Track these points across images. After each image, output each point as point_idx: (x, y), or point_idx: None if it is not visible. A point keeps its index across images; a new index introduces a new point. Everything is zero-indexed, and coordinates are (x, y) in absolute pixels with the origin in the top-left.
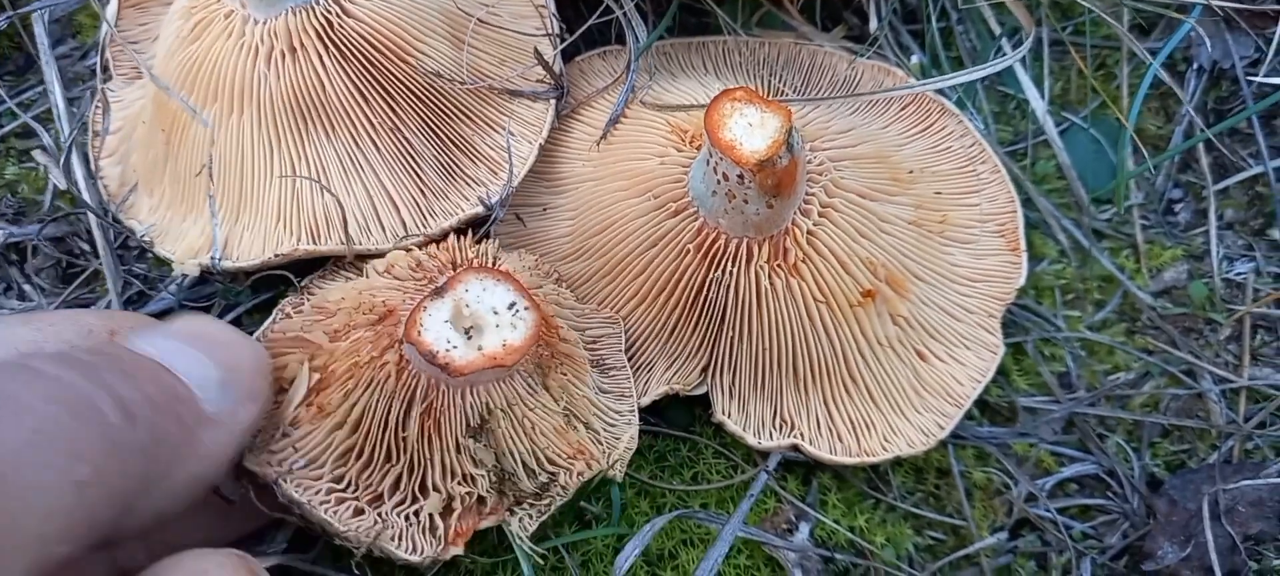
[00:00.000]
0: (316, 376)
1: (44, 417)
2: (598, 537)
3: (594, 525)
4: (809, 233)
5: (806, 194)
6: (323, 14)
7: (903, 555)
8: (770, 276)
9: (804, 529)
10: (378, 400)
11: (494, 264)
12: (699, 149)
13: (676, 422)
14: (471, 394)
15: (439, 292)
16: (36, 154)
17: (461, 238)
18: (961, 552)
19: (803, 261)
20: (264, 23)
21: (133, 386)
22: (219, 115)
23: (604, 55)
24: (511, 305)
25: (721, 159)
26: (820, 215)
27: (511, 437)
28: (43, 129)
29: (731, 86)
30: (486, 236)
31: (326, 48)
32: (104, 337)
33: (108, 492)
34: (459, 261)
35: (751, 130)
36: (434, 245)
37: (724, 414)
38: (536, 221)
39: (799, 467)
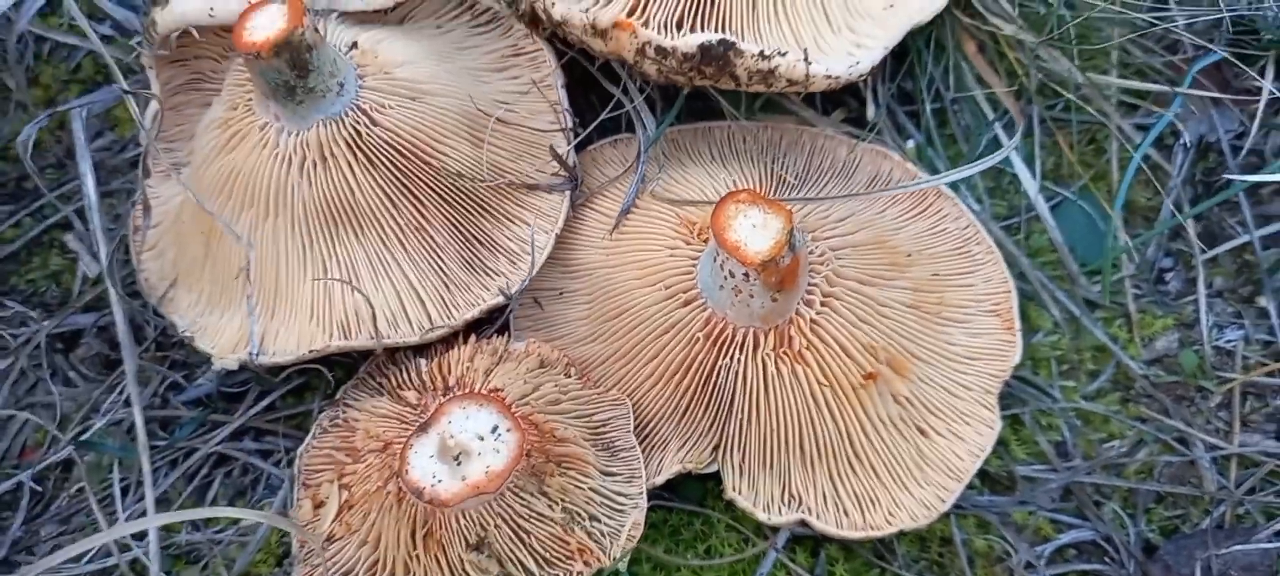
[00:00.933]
0: (345, 494)
1: None
2: None
3: None
4: (812, 321)
5: (809, 284)
6: (351, 125)
7: None
8: (776, 364)
9: None
10: (388, 522)
11: (487, 376)
12: (706, 242)
13: (690, 497)
14: (465, 517)
15: (424, 428)
16: (73, 243)
17: (464, 346)
18: None
19: (807, 349)
20: (296, 134)
21: None
22: (255, 220)
23: (615, 144)
24: (495, 429)
25: (727, 258)
26: (822, 304)
27: (512, 546)
28: (81, 222)
29: (737, 189)
30: (505, 329)
31: (355, 155)
32: None
33: None
34: (455, 382)
35: (755, 232)
36: (439, 359)
37: (735, 490)
38: (553, 305)
39: (808, 541)
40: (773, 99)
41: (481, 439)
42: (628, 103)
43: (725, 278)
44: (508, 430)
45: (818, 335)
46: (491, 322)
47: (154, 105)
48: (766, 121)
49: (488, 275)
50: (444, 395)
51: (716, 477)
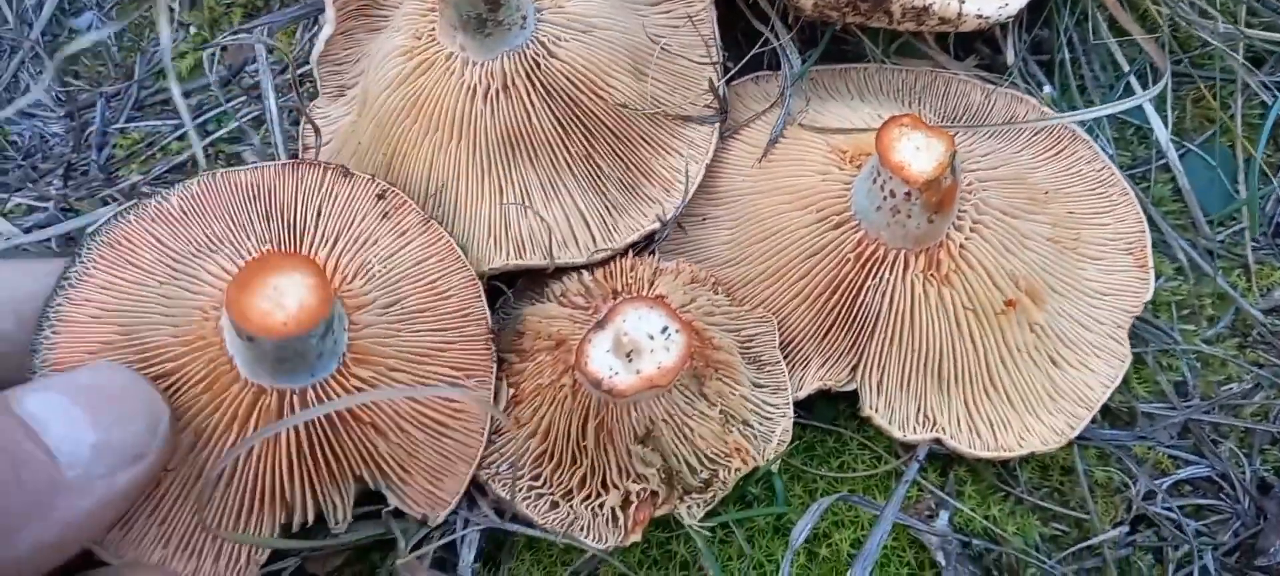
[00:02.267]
0: (512, 391)
1: None
2: (759, 516)
3: (755, 505)
4: (961, 246)
5: (959, 210)
6: (532, 56)
7: (1031, 544)
8: (924, 285)
9: (944, 516)
10: (559, 415)
11: (650, 285)
12: (859, 167)
13: (823, 417)
14: (636, 409)
15: (601, 325)
16: (247, 155)
17: (623, 260)
18: (1084, 544)
19: (954, 272)
20: (481, 64)
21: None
22: (439, 144)
23: (757, 80)
24: (664, 329)
25: (890, 177)
26: (971, 230)
27: (675, 442)
28: (252, 131)
29: (898, 113)
30: (651, 250)
31: (534, 86)
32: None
33: None
34: (620, 287)
35: (919, 153)
36: (601, 271)
37: (872, 409)
38: (697, 230)
39: (937, 462)
40: (907, 44)
41: (652, 338)
42: (774, 40)
43: (884, 198)
44: (676, 331)
45: (965, 259)
46: (640, 247)
47: (327, 29)
48: (902, 64)
49: (645, 201)
50: (614, 299)
51: (848, 398)
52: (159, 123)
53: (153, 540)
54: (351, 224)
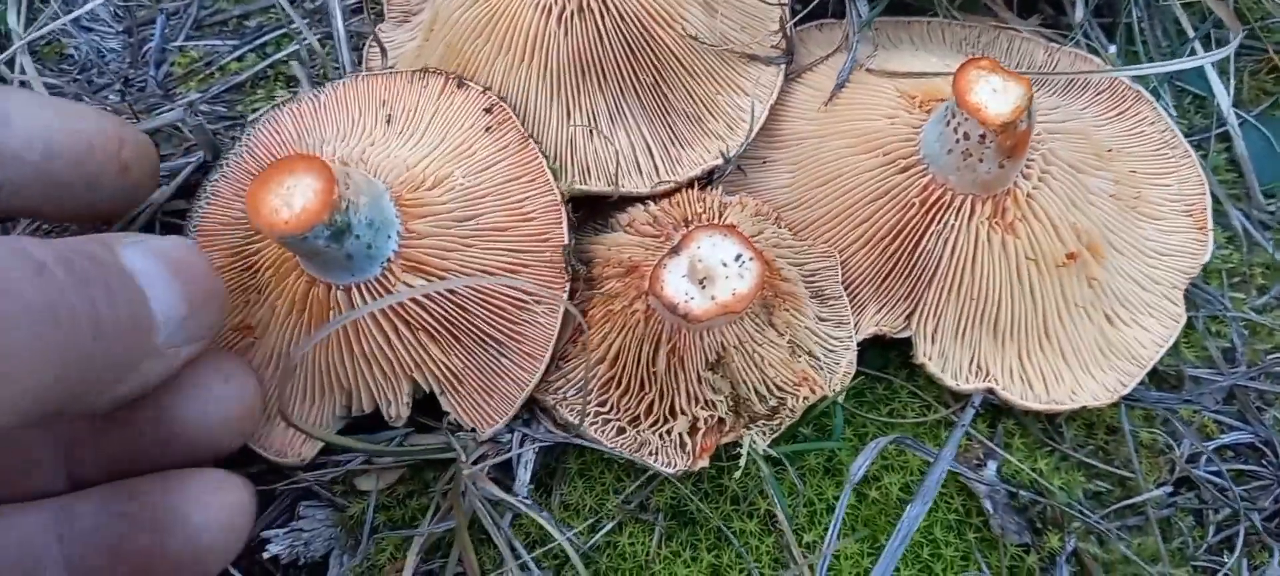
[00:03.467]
0: (578, 317)
1: (31, 312)
2: (810, 451)
3: (801, 442)
4: (1028, 195)
5: (1027, 160)
6: None
7: (1076, 499)
8: (989, 232)
9: (991, 466)
10: (630, 341)
11: (720, 216)
12: (928, 112)
13: (873, 364)
14: (708, 335)
15: (676, 250)
16: (299, 72)
17: (689, 191)
18: (1128, 502)
19: (1019, 220)
20: None
21: (112, 308)
22: (510, 64)
23: (821, 27)
24: (738, 257)
25: (966, 119)
26: (1039, 180)
27: (744, 369)
28: (307, 55)
29: (975, 56)
30: (712, 187)
31: (608, 10)
32: (98, 246)
33: (57, 393)
34: (690, 216)
35: (996, 95)
36: (666, 201)
37: (926, 357)
38: (756, 172)
39: (986, 412)
40: (968, 1)
41: (725, 265)
42: None
43: (957, 140)
44: (750, 259)
45: (1031, 209)
46: (700, 184)
47: None
48: (965, 20)
49: (709, 137)
50: (686, 227)
51: (898, 346)
52: (217, 42)
53: None
54: (453, 133)
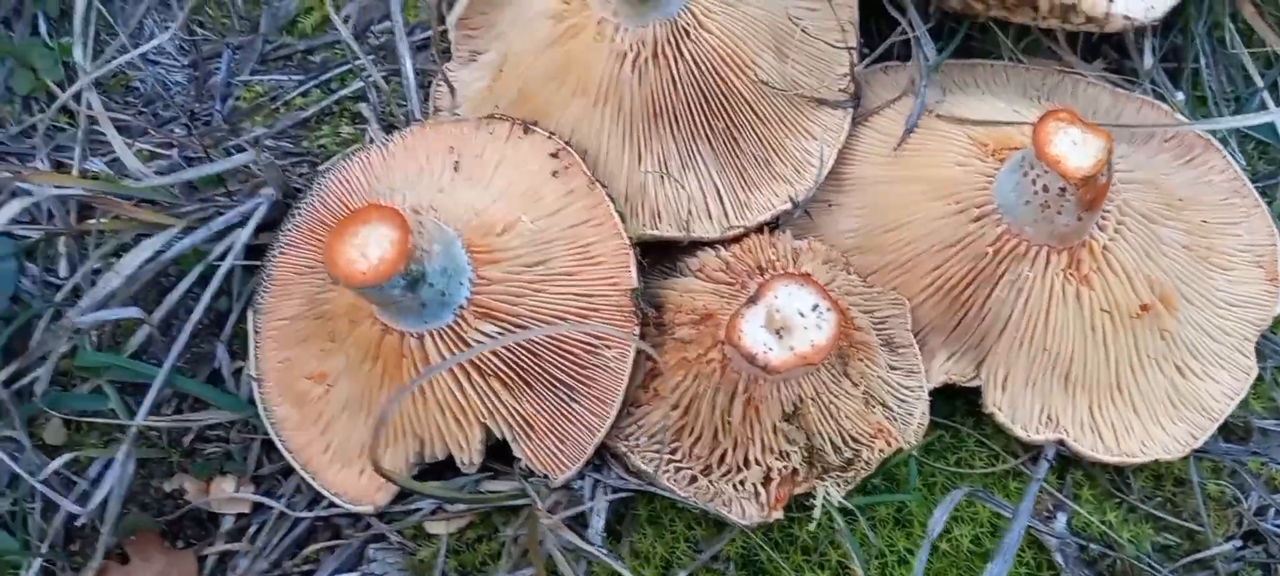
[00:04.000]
0: (649, 364)
1: None
2: (880, 503)
3: (872, 493)
4: (1104, 247)
5: (1103, 211)
6: (683, 26)
7: (1145, 552)
8: (1063, 283)
9: (1061, 518)
10: (705, 389)
11: (794, 262)
12: (1001, 161)
13: (938, 412)
14: (785, 386)
15: (753, 300)
16: (366, 112)
17: (760, 237)
18: (1196, 556)
19: (1094, 272)
20: (632, 31)
21: None
22: (584, 108)
23: (886, 70)
24: (815, 307)
25: (1045, 171)
26: (1115, 231)
27: (820, 420)
28: (376, 92)
29: (1056, 107)
30: (779, 228)
31: (682, 56)
32: None
33: None
34: (763, 263)
35: (1076, 148)
36: (738, 246)
37: (996, 406)
38: (821, 216)
39: (1054, 463)
40: (1034, 42)
41: (802, 315)
42: (910, 30)
43: (1035, 192)
44: (827, 309)
45: (1107, 261)
46: (769, 235)
47: None
48: (1031, 64)
49: (778, 181)
50: (761, 275)
51: (962, 394)
52: (282, 77)
53: (317, 446)
54: (520, 178)
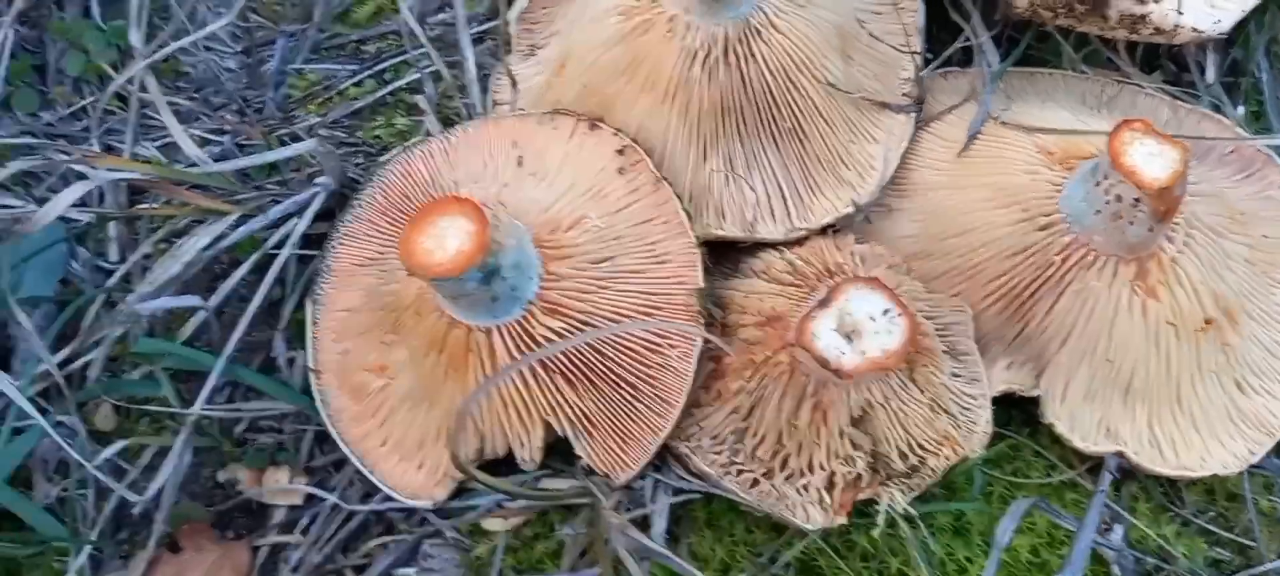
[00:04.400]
0: (711, 365)
1: None
2: (940, 512)
3: (931, 501)
4: (1172, 259)
5: (1172, 223)
6: (755, 26)
7: (1198, 567)
8: (1130, 295)
9: (1118, 531)
10: (772, 392)
11: (862, 267)
12: (1070, 170)
13: (995, 421)
14: (854, 391)
15: (824, 303)
16: (423, 104)
17: (825, 239)
18: (1248, 571)
19: (1161, 285)
20: (705, 30)
21: None
22: (652, 105)
23: (946, 76)
24: (886, 312)
25: (1119, 181)
26: (1184, 243)
27: (888, 426)
28: (433, 83)
29: (1130, 118)
30: (839, 231)
31: (753, 55)
32: None
33: None
34: (830, 266)
35: (1151, 159)
36: (804, 249)
37: (1054, 416)
38: (880, 220)
39: (1117, 476)
40: (1093, 53)
41: (873, 320)
42: (974, 37)
43: (1107, 202)
44: (898, 314)
45: (1175, 273)
46: (833, 238)
47: None
48: (1091, 75)
49: (842, 184)
50: (830, 278)
51: (1018, 404)
52: (335, 66)
53: (375, 439)
54: (586, 175)
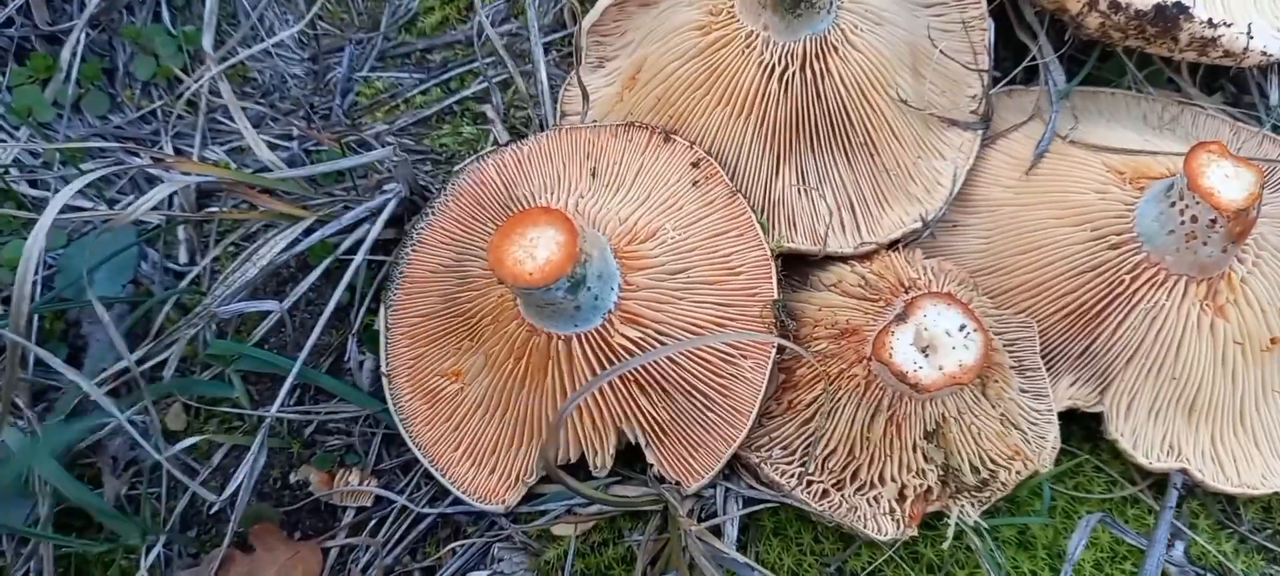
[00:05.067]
0: (782, 376)
1: None
2: (1006, 526)
3: (996, 515)
4: (1242, 279)
5: (1243, 244)
6: (831, 42)
7: None
8: (1199, 314)
9: (1179, 546)
10: (844, 404)
11: (936, 282)
12: (1141, 189)
13: None
14: (930, 405)
15: (902, 318)
16: (490, 114)
17: (896, 254)
18: None
19: (1230, 304)
20: (783, 45)
21: None
22: (727, 117)
23: (1011, 93)
24: (962, 327)
25: (1196, 202)
26: (1254, 264)
27: (960, 441)
28: (500, 92)
29: (1206, 140)
30: (907, 247)
31: (828, 72)
32: None
33: None
34: (905, 280)
35: (1228, 181)
36: (877, 263)
37: (1118, 433)
38: (945, 236)
39: (1183, 493)
40: (1155, 72)
41: (949, 334)
42: (1040, 56)
43: (1181, 222)
44: (974, 330)
45: (1243, 293)
46: (903, 253)
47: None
48: (1154, 95)
49: (910, 200)
50: (904, 292)
51: (1078, 419)
52: (402, 75)
53: (448, 443)
54: (660, 187)
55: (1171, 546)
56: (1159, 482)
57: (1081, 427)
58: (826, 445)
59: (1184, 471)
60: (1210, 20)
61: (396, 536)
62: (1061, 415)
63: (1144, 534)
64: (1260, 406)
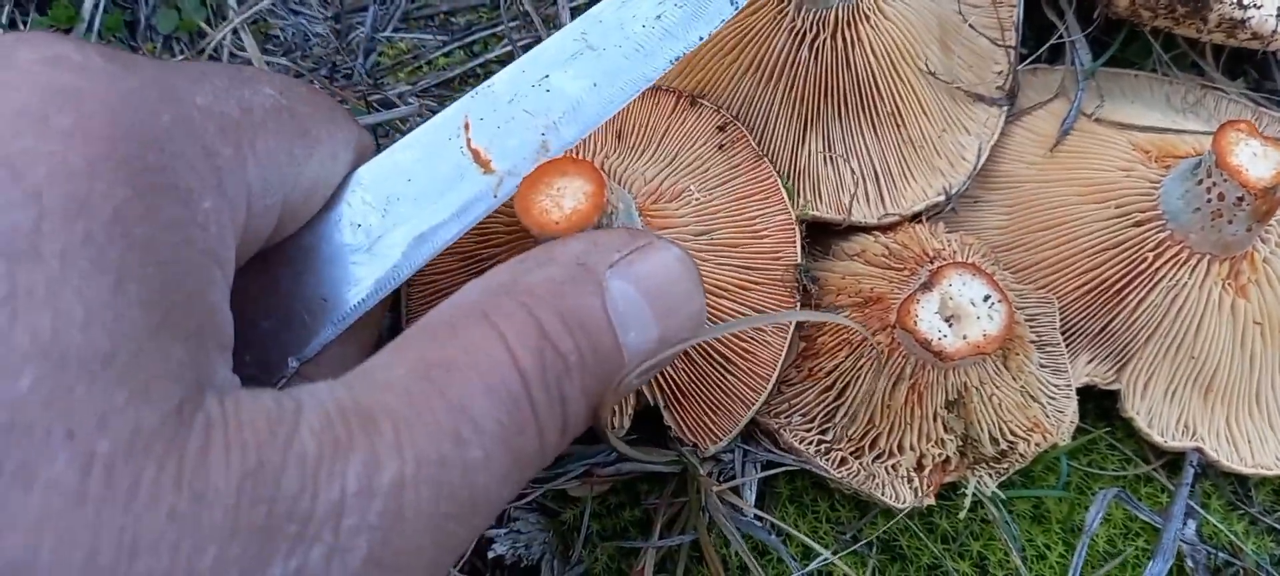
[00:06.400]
0: (803, 344)
1: (489, 410)
2: (1022, 498)
3: (1012, 488)
4: (1265, 259)
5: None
6: (864, 11)
7: (1264, 564)
8: (1221, 293)
9: (1191, 525)
10: (865, 371)
11: (962, 254)
12: (1166, 168)
13: None
14: (953, 374)
15: (927, 287)
16: None
17: (920, 226)
18: None
19: (1252, 283)
20: (815, 12)
21: (581, 400)
22: (757, 82)
23: (1036, 72)
24: (986, 298)
25: (1223, 180)
26: (1277, 244)
27: (980, 411)
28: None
29: (1235, 119)
30: (929, 220)
31: (859, 40)
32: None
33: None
34: (929, 251)
35: (1256, 160)
36: (901, 233)
37: (1134, 411)
38: (967, 210)
39: (1179, 470)
40: (1179, 55)
41: (974, 305)
42: (1067, 35)
43: (1207, 200)
44: (999, 301)
45: (1266, 273)
46: (928, 225)
47: None
48: (1176, 78)
49: (934, 173)
50: (929, 263)
51: (1094, 396)
52: (424, 36)
53: None
54: (686, 149)
55: (1184, 525)
56: (1172, 462)
57: (1095, 405)
58: (846, 412)
59: (1199, 450)
60: (1240, 2)
61: None
62: (1077, 392)
63: (1158, 511)
64: (1277, 387)
